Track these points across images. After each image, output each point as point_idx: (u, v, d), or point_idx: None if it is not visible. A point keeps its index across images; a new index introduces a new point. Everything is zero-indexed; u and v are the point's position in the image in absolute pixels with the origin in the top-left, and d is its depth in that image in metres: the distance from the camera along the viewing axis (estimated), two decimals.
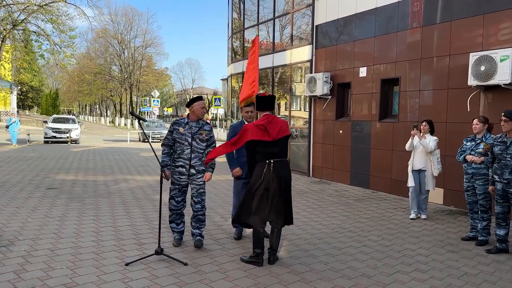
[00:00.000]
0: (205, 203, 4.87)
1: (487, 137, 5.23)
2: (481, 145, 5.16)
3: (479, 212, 5.28)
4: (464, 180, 5.46)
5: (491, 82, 6.49)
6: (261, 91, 12.56)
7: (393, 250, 4.98)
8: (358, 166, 9.55)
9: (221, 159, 15.23)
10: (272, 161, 4.21)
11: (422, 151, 6.43)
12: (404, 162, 8.36)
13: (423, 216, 6.56)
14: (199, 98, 4.89)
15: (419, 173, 6.51)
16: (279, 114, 12.60)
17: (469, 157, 5.28)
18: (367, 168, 9.29)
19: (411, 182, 6.52)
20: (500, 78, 6.37)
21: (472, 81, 6.78)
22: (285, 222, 4.39)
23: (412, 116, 8.22)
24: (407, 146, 6.62)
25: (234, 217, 4.53)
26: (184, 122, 4.75)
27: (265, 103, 4.43)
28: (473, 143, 5.32)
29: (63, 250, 4.51)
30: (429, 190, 6.56)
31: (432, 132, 6.49)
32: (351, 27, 9.67)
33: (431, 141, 6.35)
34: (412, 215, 6.60)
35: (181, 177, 4.73)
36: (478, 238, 5.29)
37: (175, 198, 4.78)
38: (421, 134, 6.43)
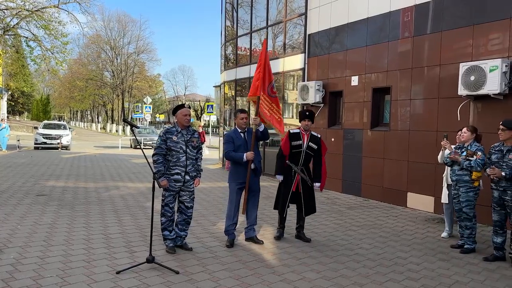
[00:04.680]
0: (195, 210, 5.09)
1: (472, 145, 5.32)
2: (465, 152, 5.30)
3: (463, 220, 5.35)
4: (452, 188, 5.56)
5: (481, 92, 6.59)
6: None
7: (385, 258, 5.00)
8: (350, 174, 9.59)
9: (213, 167, 15.17)
10: None
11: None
12: (395, 171, 8.45)
13: None
14: (181, 106, 4.96)
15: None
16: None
17: (450, 155, 5.42)
18: (358, 176, 9.33)
19: (444, 199, 6.02)
20: (489, 88, 6.47)
21: (462, 91, 6.88)
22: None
23: (403, 125, 8.30)
24: (439, 158, 6.03)
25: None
26: (177, 131, 4.83)
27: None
28: (459, 150, 5.45)
29: (53, 258, 4.46)
30: None
31: None
32: (343, 37, 9.77)
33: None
34: (444, 234, 6.07)
35: (176, 184, 4.81)
36: (464, 246, 5.36)
37: (169, 204, 4.85)
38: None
